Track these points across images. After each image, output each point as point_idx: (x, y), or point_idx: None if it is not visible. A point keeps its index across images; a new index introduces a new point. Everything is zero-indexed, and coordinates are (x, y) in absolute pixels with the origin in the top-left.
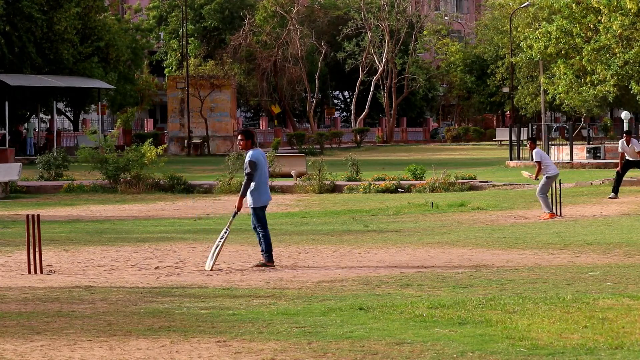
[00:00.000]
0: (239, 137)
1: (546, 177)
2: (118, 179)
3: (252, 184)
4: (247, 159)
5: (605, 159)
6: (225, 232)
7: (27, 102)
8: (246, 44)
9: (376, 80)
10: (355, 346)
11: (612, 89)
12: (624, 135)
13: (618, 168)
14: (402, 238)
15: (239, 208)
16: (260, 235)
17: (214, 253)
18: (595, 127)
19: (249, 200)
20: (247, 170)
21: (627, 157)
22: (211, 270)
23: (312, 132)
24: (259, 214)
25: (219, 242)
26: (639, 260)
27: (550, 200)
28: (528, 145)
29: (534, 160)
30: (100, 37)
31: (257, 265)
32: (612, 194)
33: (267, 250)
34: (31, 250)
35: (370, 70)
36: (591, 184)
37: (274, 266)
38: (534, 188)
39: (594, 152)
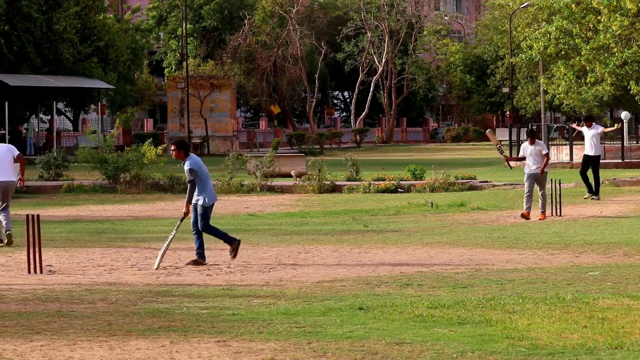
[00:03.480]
0: (172, 148)
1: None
2: (118, 179)
3: (199, 187)
4: (186, 167)
5: (604, 159)
6: (172, 235)
7: (27, 102)
8: (246, 44)
9: (376, 81)
10: (355, 346)
11: (608, 88)
12: (585, 121)
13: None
14: (402, 238)
15: (186, 213)
16: (197, 235)
17: (162, 254)
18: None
19: (200, 201)
20: (190, 177)
21: (585, 153)
22: (156, 269)
23: (312, 132)
24: (209, 213)
25: (167, 244)
26: (639, 260)
27: (550, 200)
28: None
29: (545, 152)
30: (100, 37)
31: (190, 263)
32: (592, 194)
33: (200, 248)
34: (31, 250)
35: (370, 70)
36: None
37: (205, 263)
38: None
39: None
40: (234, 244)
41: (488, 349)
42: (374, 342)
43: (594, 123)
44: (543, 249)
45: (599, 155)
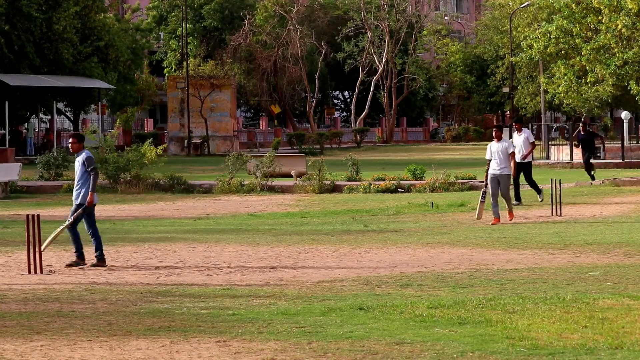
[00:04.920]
0: (71, 140)
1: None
2: (118, 179)
3: (85, 186)
4: (83, 157)
5: (605, 159)
6: (68, 222)
7: (27, 102)
8: (246, 44)
9: (376, 80)
10: (355, 346)
11: (610, 89)
12: (515, 123)
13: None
14: (402, 238)
15: (91, 202)
16: (72, 234)
17: (52, 237)
18: (595, 127)
19: (81, 198)
20: (93, 165)
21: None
22: (42, 250)
23: (312, 132)
24: (91, 211)
25: (60, 228)
26: (639, 260)
27: (551, 200)
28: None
29: (511, 150)
30: (100, 37)
31: (69, 265)
32: (515, 201)
33: (78, 249)
34: (31, 250)
35: (370, 70)
36: (591, 184)
37: (85, 264)
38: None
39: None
40: (81, 261)
41: (488, 349)
42: (374, 342)
43: (524, 128)
44: (543, 249)
45: (530, 162)
